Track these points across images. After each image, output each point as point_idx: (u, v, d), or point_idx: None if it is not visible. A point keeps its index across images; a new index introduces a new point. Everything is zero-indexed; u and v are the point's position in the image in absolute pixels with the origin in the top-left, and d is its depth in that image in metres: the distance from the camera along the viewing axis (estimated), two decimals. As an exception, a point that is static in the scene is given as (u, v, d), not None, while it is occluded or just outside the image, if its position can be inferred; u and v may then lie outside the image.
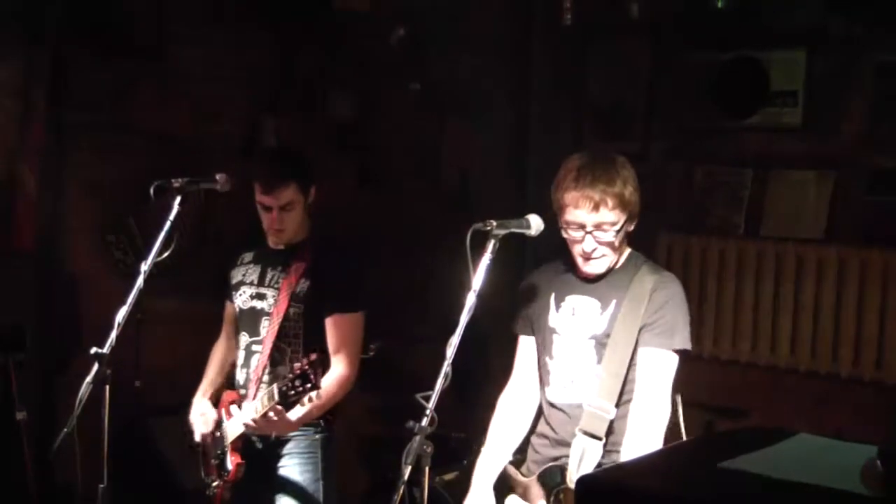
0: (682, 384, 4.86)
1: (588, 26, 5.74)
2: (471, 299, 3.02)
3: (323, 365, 3.59)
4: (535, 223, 3.19)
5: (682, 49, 5.73)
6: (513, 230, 3.14)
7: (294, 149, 4.07)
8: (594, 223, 3.19)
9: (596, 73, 6.12)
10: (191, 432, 4.02)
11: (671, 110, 5.80)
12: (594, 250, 3.22)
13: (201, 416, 3.98)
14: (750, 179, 5.53)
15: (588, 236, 3.20)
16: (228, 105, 5.72)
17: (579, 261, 3.28)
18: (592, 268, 3.28)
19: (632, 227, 3.30)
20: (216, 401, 4.05)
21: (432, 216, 6.08)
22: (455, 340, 2.98)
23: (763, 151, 5.52)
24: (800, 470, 2.10)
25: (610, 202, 3.17)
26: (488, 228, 3.06)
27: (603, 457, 3.18)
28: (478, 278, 3.03)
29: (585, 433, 3.20)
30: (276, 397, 3.51)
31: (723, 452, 2.19)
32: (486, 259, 3.05)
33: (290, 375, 3.47)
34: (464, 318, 3.00)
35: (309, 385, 3.44)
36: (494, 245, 3.07)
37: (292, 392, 3.46)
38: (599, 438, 3.18)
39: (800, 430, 2.47)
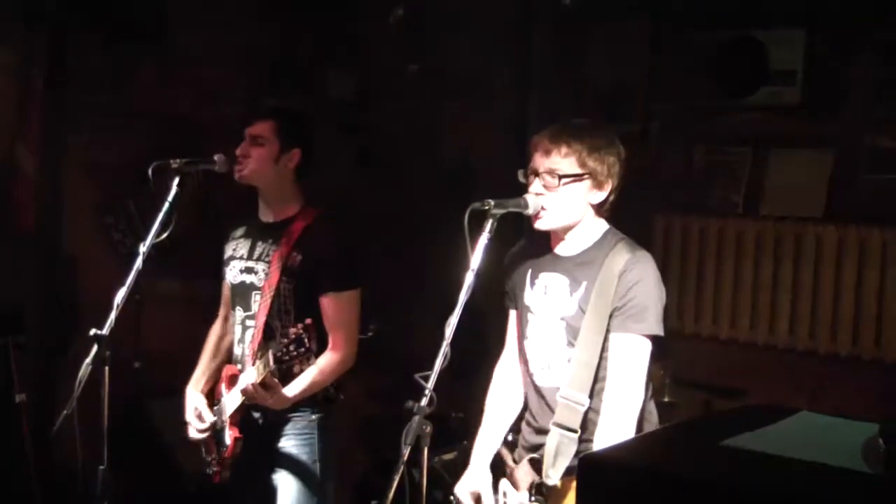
0: (681, 363, 4.90)
1: (588, 6, 5.72)
2: (469, 279, 3.00)
3: (318, 332, 3.58)
4: (533, 202, 3.18)
5: (681, 28, 5.71)
6: (511, 209, 3.12)
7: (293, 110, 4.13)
8: (545, 168, 3.16)
9: (595, 52, 6.10)
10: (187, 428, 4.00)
11: (670, 90, 5.79)
12: (538, 194, 3.17)
13: (196, 418, 3.95)
14: (749, 158, 5.52)
15: (536, 179, 3.19)
16: (228, 87, 5.71)
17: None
18: (538, 222, 3.22)
19: (595, 197, 3.22)
20: (211, 388, 4.04)
21: (432, 197, 6.07)
22: (454, 320, 2.96)
23: (762, 130, 5.51)
24: (802, 447, 2.10)
25: (563, 149, 3.14)
26: (486, 208, 3.04)
27: (579, 448, 3.12)
28: (476, 257, 3.01)
29: (560, 426, 3.16)
30: (272, 363, 3.49)
31: (725, 430, 2.18)
32: (483, 238, 3.03)
33: (285, 341, 3.47)
34: (462, 298, 2.99)
35: (303, 349, 3.45)
36: (492, 224, 3.04)
37: (287, 357, 3.46)
38: (575, 431, 3.13)
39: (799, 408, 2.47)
